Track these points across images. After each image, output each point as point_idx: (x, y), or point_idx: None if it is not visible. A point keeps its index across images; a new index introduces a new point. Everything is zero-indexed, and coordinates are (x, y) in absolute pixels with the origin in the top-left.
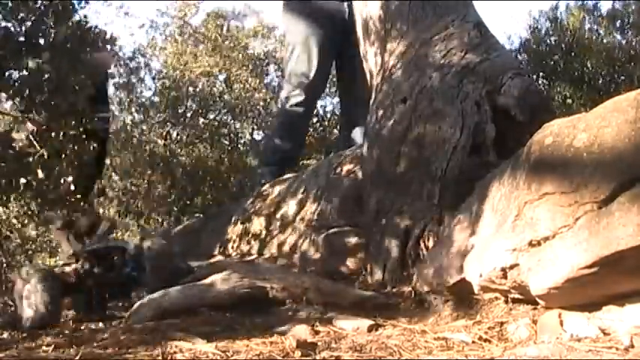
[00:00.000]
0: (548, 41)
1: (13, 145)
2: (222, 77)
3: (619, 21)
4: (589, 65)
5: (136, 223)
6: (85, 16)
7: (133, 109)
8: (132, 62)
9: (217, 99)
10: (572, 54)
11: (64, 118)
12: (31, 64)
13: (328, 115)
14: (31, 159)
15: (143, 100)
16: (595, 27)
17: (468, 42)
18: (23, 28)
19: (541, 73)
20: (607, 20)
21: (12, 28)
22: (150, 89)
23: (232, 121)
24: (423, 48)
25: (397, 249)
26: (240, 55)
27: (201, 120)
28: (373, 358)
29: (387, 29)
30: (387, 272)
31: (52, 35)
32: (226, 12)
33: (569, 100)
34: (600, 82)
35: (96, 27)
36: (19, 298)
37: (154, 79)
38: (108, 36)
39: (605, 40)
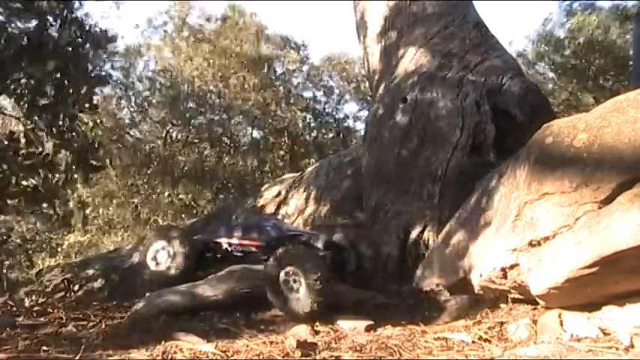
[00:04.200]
0: (560, 36)
1: (15, 145)
2: (220, 75)
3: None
4: (596, 63)
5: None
6: (87, 14)
7: (131, 108)
8: (129, 61)
9: (217, 99)
10: (582, 51)
11: (65, 123)
12: (34, 69)
13: (327, 115)
14: (29, 162)
15: (141, 99)
16: (608, 26)
17: (468, 42)
18: (27, 29)
19: (550, 68)
20: (620, 20)
21: (15, 31)
22: (148, 89)
23: (231, 121)
24: (423, 48)
25: (397, 249)
26: (238, 54)
27: (201, 119)
28: (373, 358)
29: (387, 29)
30: (387, 272)
31: (55, 39)
32: (224, 12)
33: (571, 98)
34: (609, 81)
35: (96, 25)
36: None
37: (151, 78)
38: (109, 34)
39: (614, 40)
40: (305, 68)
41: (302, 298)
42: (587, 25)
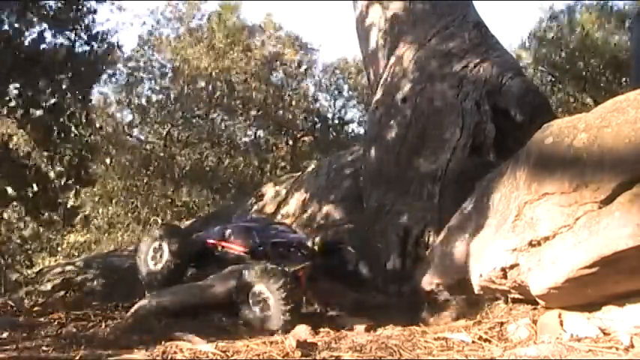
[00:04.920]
0: (558, 35)
1: (12, 153)
2: (222, 77)
3: (627, 21)
4: (592, 63)
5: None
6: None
7: (133, 109)
8: (130, 62)
9: (218, 99)
10: (578, 52)
11: (59, 136)
12: (28, 81)
13: (330, 116)
14: (27, 171)
15: (143, 100)
16: (605, 26)
17: (468, 42)
18: (24, 42)
19: (546, 71)
20: (615, 20)
21: (13, 40)
22: (150, 89)
23: (233, 121)
24: (423, 48)
25: (397, 249)
26: (241, 55)
27: (201, 120)
28: (373, 358)
29: (388, 29)
30: (386, 272)
31: (51, 53)
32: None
33: (571, 99)
34: (604, 81)
35: (102, 34)
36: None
37: (152, 79)
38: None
39: (611, 40)
40: (314, 70)
41: (272, 317)
42: (578, 25)
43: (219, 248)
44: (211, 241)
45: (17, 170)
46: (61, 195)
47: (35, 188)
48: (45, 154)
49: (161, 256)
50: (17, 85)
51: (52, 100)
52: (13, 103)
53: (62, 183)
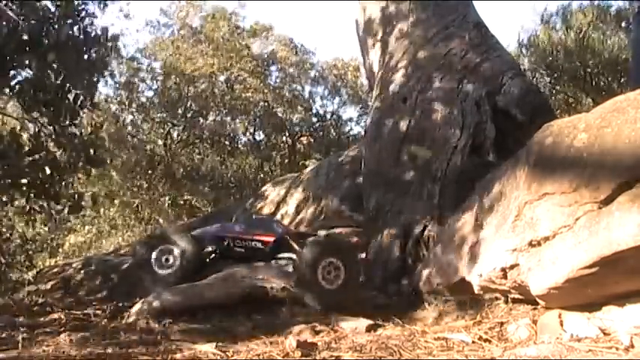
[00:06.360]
0: (556, 36)
1: (20, 144)
2: (222, 77)
3: (624, 21)
4: (591, 64)
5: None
6: (93, 14)
7: (134, 109)
8: (133, 62)
9: (218, 99)
10: (576, 54)
11: (66, 119)
12: (34, 64)
13: (328, 116)
14: (37, 156)
15: (144, 100)
16: (602, 26)
17: (468, 42)
18: (27, 25)
19: (545, 72)
20: (615, 20)
21: (18, 25)
22: (151, 89)
23: (232, 122)
24: (423, 48)
25: (397, 249)
26: (241, 54)
27: (202, 120)
28: (373, 358)
29: (388, 29)
30: (387, 272)
31: (56, 34)
32: (226, 12)
33: (571, 100)
34: (603, 81)
35: (92, 23)
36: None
37: (154, 79)
38: (109, 34)
39: (610, 41)
40: (311, 70)
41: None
42: (574, 26)
43: (228, 241)
44: (230, 235)
45: (25, 158)
46: (71, 176)
47: (47, 172)
48: (54, 138)
49: (174, 260)
50: (24, 71)
51: (58, 83)
52: (19, 86)
53: (71, 164)
